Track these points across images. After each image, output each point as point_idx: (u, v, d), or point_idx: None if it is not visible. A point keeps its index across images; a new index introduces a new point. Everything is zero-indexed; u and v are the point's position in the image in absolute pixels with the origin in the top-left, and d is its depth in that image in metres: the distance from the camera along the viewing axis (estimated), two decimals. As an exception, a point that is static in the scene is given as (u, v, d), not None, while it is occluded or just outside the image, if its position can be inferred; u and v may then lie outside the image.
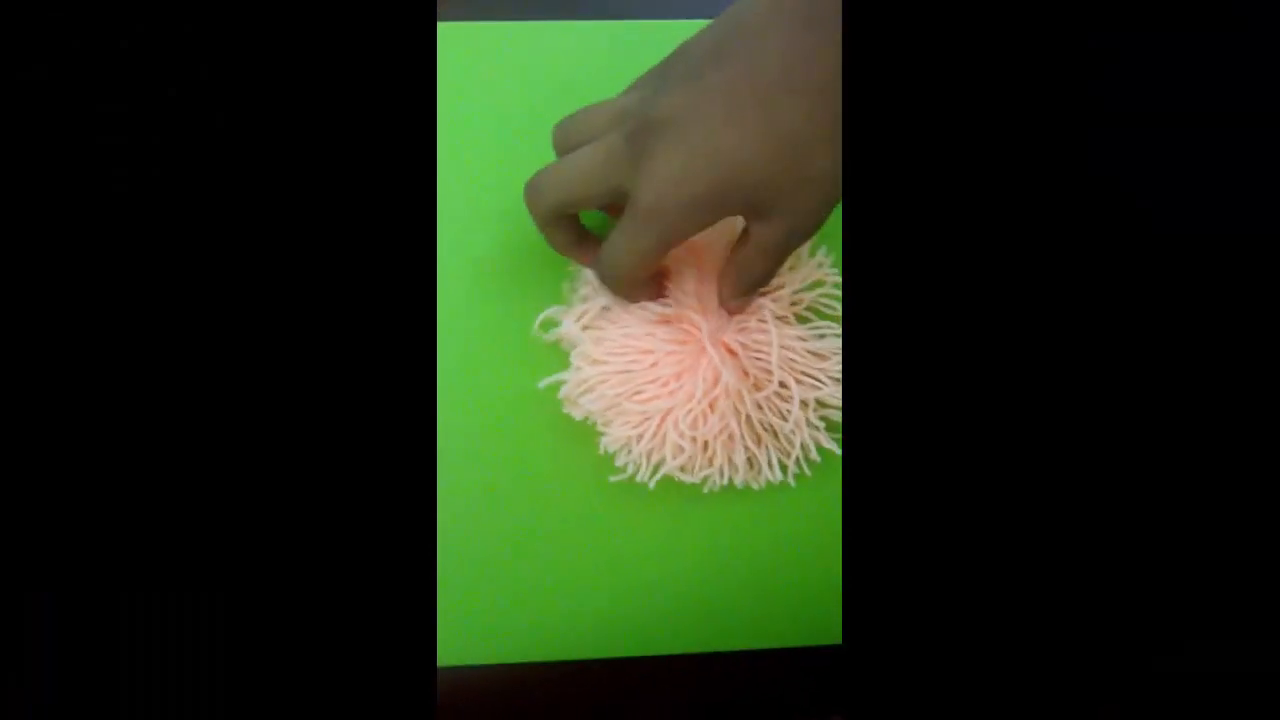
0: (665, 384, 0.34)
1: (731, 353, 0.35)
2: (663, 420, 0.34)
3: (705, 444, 0.34)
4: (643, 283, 0.33)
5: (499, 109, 0.39)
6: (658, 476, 0.33)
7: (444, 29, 0.40)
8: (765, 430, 0.35)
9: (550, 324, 0.35)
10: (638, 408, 0.34)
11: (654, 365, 0.35)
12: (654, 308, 0.35)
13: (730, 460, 0.34)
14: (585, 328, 0.35)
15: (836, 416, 0.35)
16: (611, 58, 0.39)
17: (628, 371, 0.34)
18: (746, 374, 0.35)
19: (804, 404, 0.34)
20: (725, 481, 0.34)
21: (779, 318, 0.36)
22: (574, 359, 0.35)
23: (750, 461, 0.34)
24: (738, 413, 0.34)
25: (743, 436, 0.34)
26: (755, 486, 0.34)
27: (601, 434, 0.34)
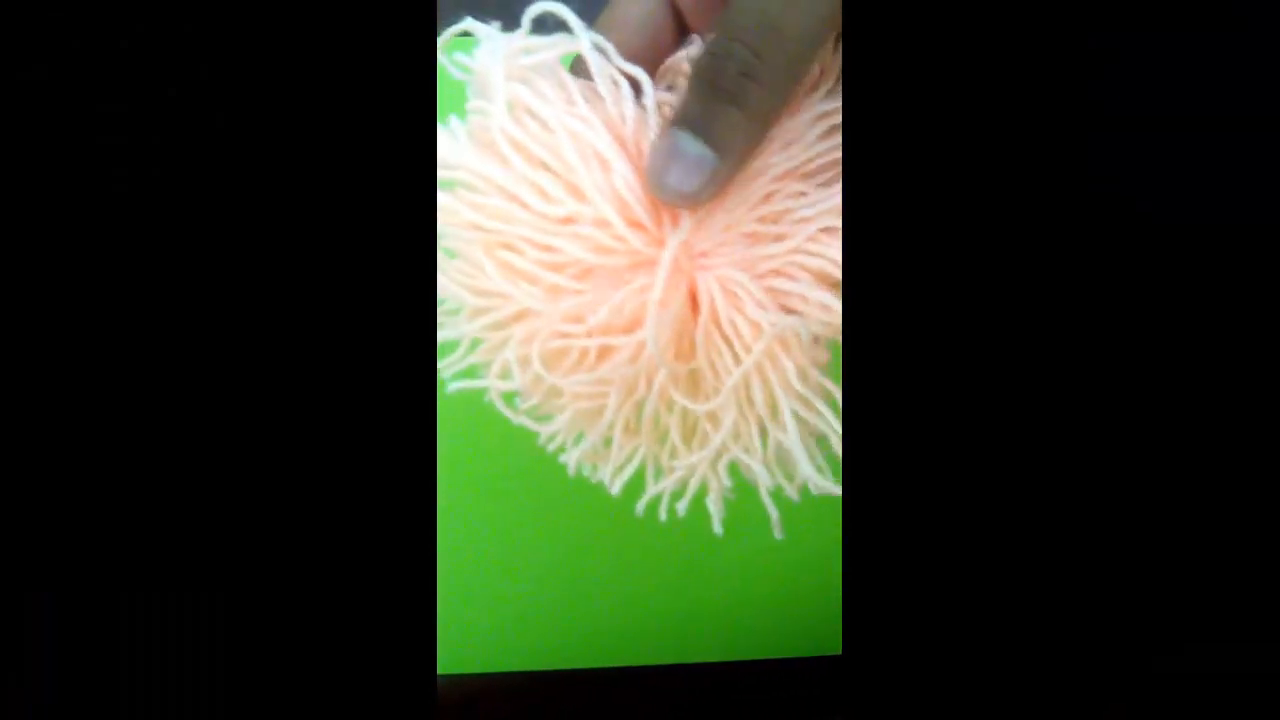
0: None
1: (695, 305, 0.22)
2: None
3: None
4: (655, 40, 0.22)
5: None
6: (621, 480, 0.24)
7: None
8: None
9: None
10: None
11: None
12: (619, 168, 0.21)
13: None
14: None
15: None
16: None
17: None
18: (692, 350, 0.22)
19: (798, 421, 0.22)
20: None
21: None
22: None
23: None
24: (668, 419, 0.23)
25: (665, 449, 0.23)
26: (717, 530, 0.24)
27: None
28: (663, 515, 0.24)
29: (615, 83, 0.22)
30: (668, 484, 0.24)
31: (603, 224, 0.21)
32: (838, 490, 0.22)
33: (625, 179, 0.21)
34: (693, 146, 0.20)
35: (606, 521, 0.33)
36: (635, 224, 0.21)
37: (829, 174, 0.22)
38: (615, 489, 0.24)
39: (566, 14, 0.22)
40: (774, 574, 0.33)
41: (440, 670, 0.31)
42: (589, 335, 0.21)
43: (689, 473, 0.24)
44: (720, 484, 0.24)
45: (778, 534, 0.24)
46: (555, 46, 0.21)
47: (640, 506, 0.25)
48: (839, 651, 0.33)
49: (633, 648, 0.32)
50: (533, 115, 0.21)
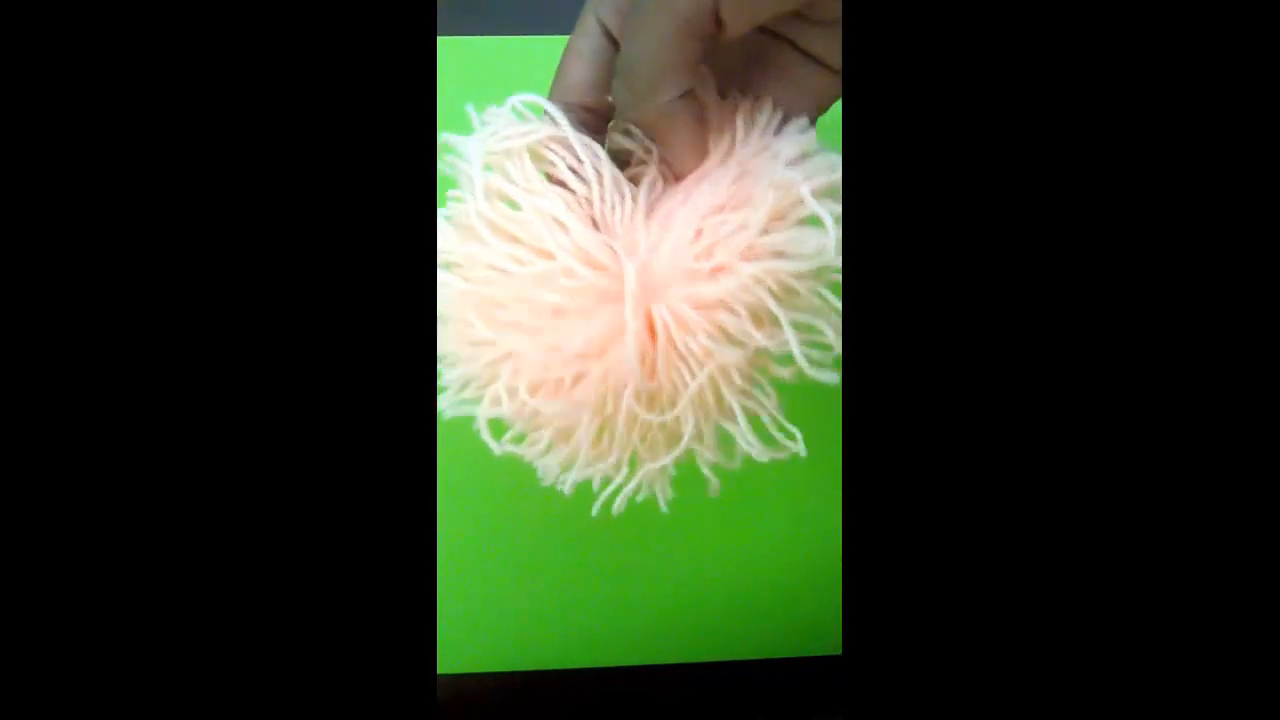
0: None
1: (652, 332, 0.26)
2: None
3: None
4: (670, 100, 0.24)
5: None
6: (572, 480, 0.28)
7: (444, 43, 0.41)
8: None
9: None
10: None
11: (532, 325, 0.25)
12: (569, 221, 0.25)
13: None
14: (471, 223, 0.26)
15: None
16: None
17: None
18: (654, 371, 0.26)
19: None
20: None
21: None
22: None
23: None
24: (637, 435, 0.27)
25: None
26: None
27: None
28: (617, 507, 0.28)
29: (578, 160, 0.26)
30: (630, 484, 0.28)
31: (569, 273, 0.25)
32: (762, 452, 0.27)
33: (582, 235, 0.25)
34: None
35: (606, 522, 0.33)
36: (596, 267, 0.25)
37: (746, 205, 0.26)
38: (568, 489, 0.28)
39: (544, 104, 0.27)
40: (774, 574, 0.33)
41: (440, 670, 0.31)
42: (565, 364, 0.26)
43: (649, 475, 0.28)
44: (668, 473, 0.29)
45: (714, 493, 0.28)
46: (524, 136, 0.26)
47: (596, 506, 0.28)
48: (839, 651, 0.33)
49: (633, 648, 0.32)
50: (503, 197, 0.26)
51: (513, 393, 0.26)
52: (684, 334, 0.25)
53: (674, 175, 0.27)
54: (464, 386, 0.28)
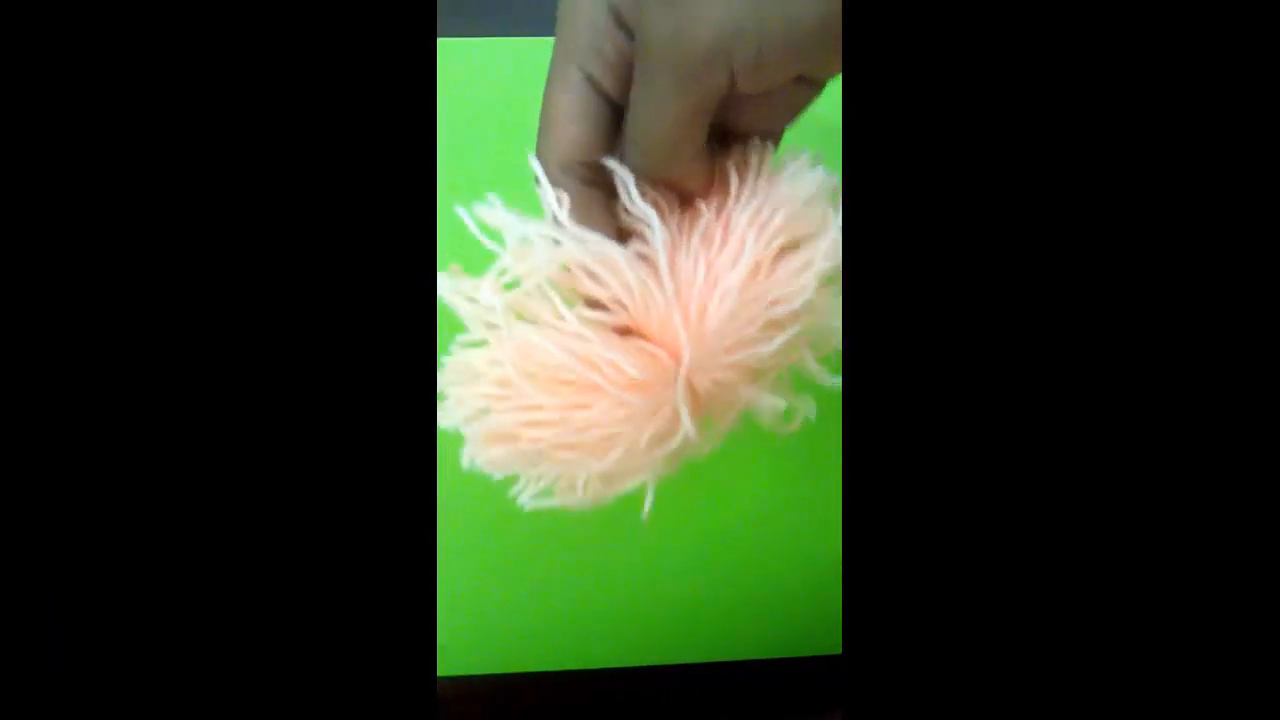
0: (595, 430, 0.25)
1: (697, 399, 0.26)
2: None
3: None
4: (689, 160, 0.25)
5: (499, 123, 0.39)
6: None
7: (444, 44, 0.41)
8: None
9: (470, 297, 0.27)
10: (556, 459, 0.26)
11: (585, 404, 0.25)
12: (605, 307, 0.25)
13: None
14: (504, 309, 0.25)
15: None
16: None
17: (544, 409, 0.25)
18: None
19: None
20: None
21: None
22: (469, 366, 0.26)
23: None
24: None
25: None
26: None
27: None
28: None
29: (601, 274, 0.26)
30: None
31: (618, 404, 0.25)
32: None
33: (622, 362, 0.25)
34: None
35: (606, 522, 0.33)
36: (635, 388, 0.25)
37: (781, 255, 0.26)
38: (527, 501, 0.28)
39: (540, 178, 0.26)
40: (774, 574, 0.33)
41: (440, 671, 0.31)
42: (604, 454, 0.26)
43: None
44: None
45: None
46: (538, 271, 0.25)
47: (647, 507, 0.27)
48: (839, 651, 0.33)
49: (633, 648, 0.32)
50: (535, 351, 0.25)
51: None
52: (724, 398, 0.26)
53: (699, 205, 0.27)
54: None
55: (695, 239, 0.26)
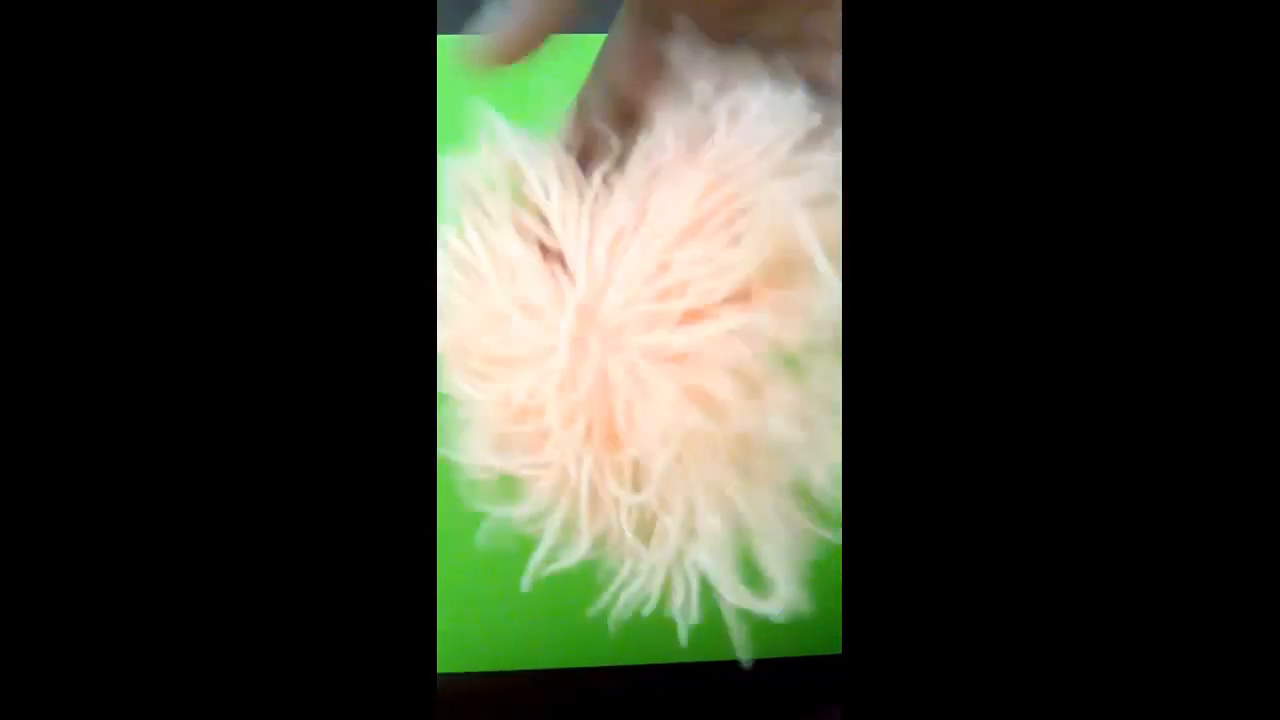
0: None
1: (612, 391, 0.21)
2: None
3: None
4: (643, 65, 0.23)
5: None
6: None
7: (444, 43, 0.41)
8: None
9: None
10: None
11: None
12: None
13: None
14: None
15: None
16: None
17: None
18: (618, 439, 0.21)
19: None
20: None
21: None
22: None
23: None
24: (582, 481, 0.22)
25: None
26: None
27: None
28: (612, 627, 0.23)
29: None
30: (631, 589, 0.23)
31: (506, 318, 0.22)
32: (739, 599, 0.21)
33: (526, 276, 0.22)
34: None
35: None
36: (533, 315, 0.22)
37: (731, 231, 0.20)
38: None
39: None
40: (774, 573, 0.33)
41: (440, 670, 0.31)
42: (516, 418, 0.22)
43: (649, 576, 0.23)
44: (687, 590, 0.23)
45: (742, 656, 0.22)
46: (497, 156, 0.23)
47: (592, 612, 0.24)
48: (839, 651, 0.33)
49: (633, 647, 0.32)
50: (480, 229, 0.23)
51: (468, 451, 0.23)
52: (644, 398, 0.20)
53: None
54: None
55: (649, 169, 0.22)
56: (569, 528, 0.23)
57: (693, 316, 0.20)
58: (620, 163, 0.23)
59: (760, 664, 0.32)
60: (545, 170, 0.23)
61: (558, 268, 0.22)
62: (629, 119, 0.24)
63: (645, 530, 0.23)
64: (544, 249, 0.23)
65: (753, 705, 0.32)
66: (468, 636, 0.32)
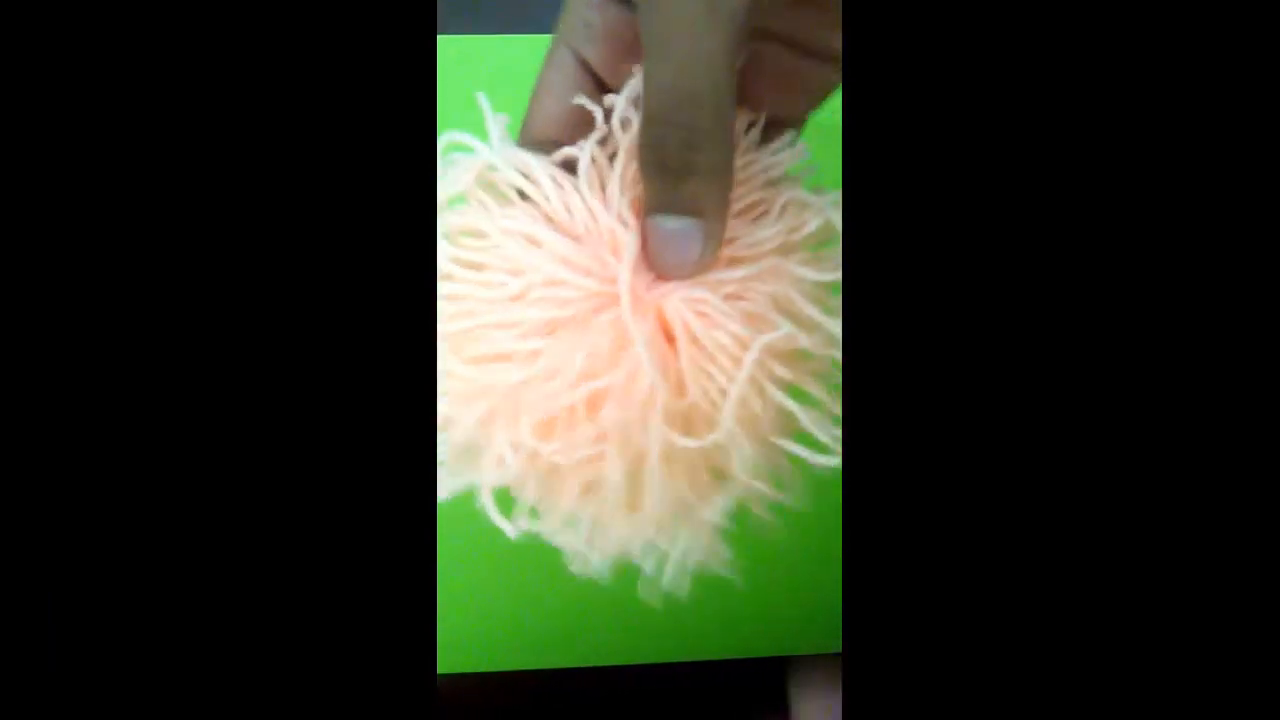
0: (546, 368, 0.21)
1: (669, 337, 0.22)
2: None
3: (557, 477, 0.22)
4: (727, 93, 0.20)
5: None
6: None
7: (444, 42, 0.41)
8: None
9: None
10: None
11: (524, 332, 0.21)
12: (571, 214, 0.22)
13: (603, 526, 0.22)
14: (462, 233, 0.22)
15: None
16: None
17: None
18: (681, 385, 0.21)
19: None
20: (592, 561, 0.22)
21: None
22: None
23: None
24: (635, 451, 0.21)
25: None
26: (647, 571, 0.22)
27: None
28: (670, 583, 0.23)
29: (552, 180, 0.23)
30: (679, 548, 0.23)
31: (553, 283, 0.22)
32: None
33: (559, 244, 0.22)
34: (672, 223, 0.21)
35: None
36: (583, 270, 0.22)
37: (757, 211, 0.23)
38: (603, 570, 0.23)
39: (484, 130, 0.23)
40: (774, 573, 0.33)
41: (440, 670, 0.31)
42: (571, 387, 0.21)
43: (701, 532, 0.23)
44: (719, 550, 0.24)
45: (768, 531, 0.24)
46: (469, 170, 0.23)
47: (646, 589, 0.24)
48: (839, 650, 0.33)
49: (633, 647, 0.32)
50: (468, 232, 0.23)
51: (517, 447, 0.22)
52: (709, 328, 0.21)
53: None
54: (463, 455, 0.23)
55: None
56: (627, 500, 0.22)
57: (735, 261, 0.22)
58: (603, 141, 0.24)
59: (760, 663, 0.32)
60: (540, 175, 0.23)
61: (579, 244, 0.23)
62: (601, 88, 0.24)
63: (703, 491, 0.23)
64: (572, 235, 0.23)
65: (753, 705, 0.32)
66: (468, 636, 0.32)
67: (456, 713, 0.31)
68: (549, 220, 0.22)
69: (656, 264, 0.22)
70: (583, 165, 0.23)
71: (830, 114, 0.26)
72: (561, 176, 0.23)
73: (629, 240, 0.22)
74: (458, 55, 0.40)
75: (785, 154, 0.24)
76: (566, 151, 0.23)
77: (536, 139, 0.24)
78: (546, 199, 0.22)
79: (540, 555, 0.33)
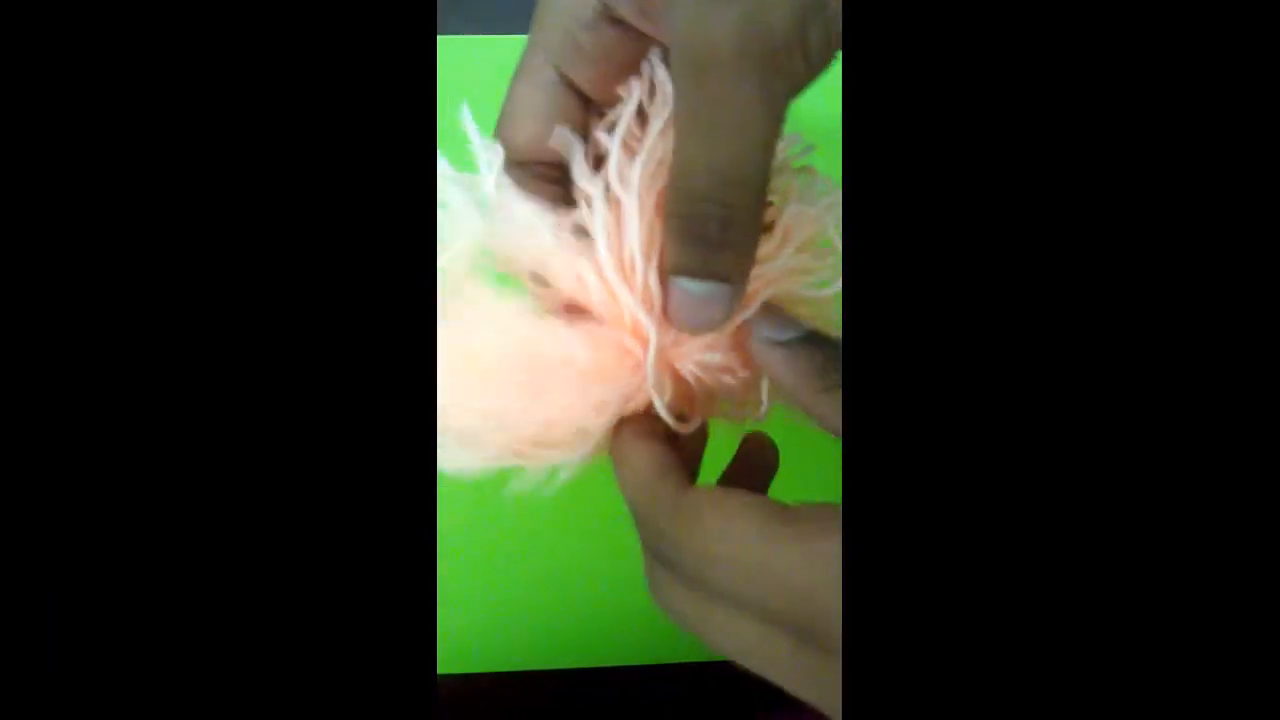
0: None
1: (682, 385, 0.24)
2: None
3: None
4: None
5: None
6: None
7: (444, 43, 0.41)
8: None
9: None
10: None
11: (543, 396, 0.22)
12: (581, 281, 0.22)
13: None
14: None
15: None
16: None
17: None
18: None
19: None
20: None
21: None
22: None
23: None
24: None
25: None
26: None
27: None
28: None
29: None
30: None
31: (581, 395, 0.23)
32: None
33: (575, 349, 0.23)
34: (698, 287, 0.22)
35: (607, 519, 0.33)
36: (598, 377, 0.23)
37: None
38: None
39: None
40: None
41: (440, 670, 0.31)
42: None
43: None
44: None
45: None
46: (464, 249, 0.22)
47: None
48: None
49: (633, 647, 0.32)
50: (476, 342, 0.23)
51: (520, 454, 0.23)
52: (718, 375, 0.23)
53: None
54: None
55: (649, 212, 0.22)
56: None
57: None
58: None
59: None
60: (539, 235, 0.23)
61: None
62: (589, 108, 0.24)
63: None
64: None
65: (753, 705, 0.32)
66: (468, 636, 0.32)
67: (456, 713, 0.31)
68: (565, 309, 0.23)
69: (677, 322, 0.22)
70: (600, 251, 0.22)
71: (830, 114, 0.26)
72: (570, 242, 0.23)
73: (652, 334, 0.22)
74: (458, 55, 0.40)
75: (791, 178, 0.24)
76: (576, 219, 0.23)
77: (516, 160, 0.24)
78: (551, 267, 0.23)
79: (540, 555, 0.33)
